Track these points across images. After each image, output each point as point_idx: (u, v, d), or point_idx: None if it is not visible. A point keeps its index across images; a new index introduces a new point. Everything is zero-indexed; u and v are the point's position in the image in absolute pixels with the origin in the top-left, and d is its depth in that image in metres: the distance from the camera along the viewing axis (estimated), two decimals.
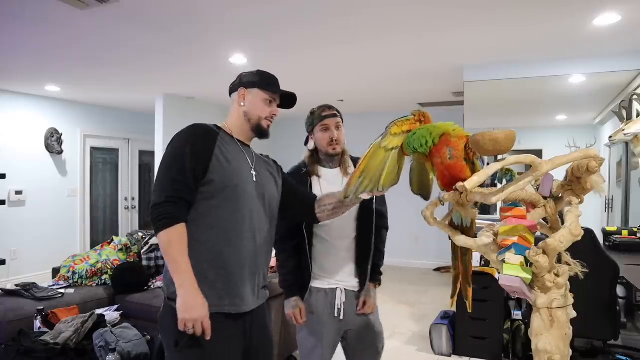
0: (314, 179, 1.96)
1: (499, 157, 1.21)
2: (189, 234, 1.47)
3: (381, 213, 2.01)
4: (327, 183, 1.95)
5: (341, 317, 1.91)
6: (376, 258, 2.00)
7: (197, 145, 1.52)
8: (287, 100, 1.76)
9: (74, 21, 3.12)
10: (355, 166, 1.92)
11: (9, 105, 5.55)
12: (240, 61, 4.11)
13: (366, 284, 1.95)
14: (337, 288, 1.92)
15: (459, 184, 1.16)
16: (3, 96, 5.47)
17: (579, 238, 1.07)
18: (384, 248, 2.05)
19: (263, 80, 1.69)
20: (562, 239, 1.05)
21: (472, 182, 1.12)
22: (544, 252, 1.06)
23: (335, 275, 1.92)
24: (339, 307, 1.90)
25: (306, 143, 2.04)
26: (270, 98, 1.69)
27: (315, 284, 1.93)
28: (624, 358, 3.09)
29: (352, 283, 1.94)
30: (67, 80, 4.99)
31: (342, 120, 2.00)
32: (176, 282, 1.43)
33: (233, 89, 1.72)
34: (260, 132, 1.71)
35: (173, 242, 1.43)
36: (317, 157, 2.00)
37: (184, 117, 6.02)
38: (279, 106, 1.75)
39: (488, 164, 1.37)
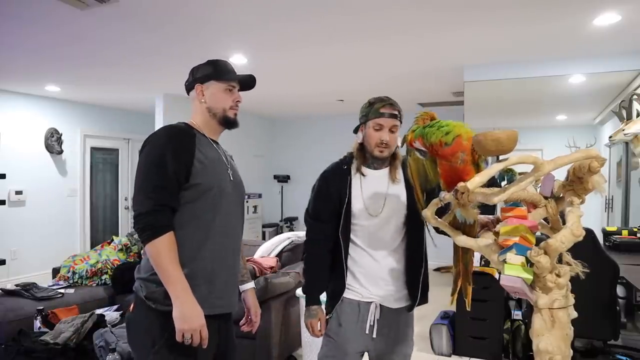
0: (356, 178, 1.75)
1: (501, 157, 1.20)
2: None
3: None
4: (371, 185, 1.75)
5: (374, 335, 1.72)
6: (426, 274, 1.77)
7: (178, 148, 1.47)
8: (246, 81, 1.69)
9: (74, 21, 3.12)
10: (403, 169, 1.78)
11: (9, 105, 5.55)
12: (240, 61, 4.11)
13: (416, 302, 1.75)
14: (371, 302, 1.73)
15: (460, 184, 1.16)
16: (3, 96, 5.47)
17: (581, 238, 1.06)
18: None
19: (217, 71, 1.62)
20: (563, 239, 1.05)
21: (474, 183, 1.12)
22: (545, 253, 1.06)
23: (370, 287, 1.73)
24: (371, 323, 1.71)
25: (355, 131, 1.81)
26: (229, 87, 1.62)
27: (348, 294, 1.74)
28: (624, 358, 3.09)
29: (390, 300, 1.74)
30: (67, 80, 4.99)
31: (401, 121, 1.75)
32: (171, 293, 1.40)
33: (189, 86, 1.66)
34: (229, 123, 1.64)
35: (162, 253, 1.40)
36: (363, 154, 1.77)
37: (184, 117, 6.01)
38: (240, 89, 1.69)
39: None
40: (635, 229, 3.61)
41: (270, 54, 3.96)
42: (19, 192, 5.60)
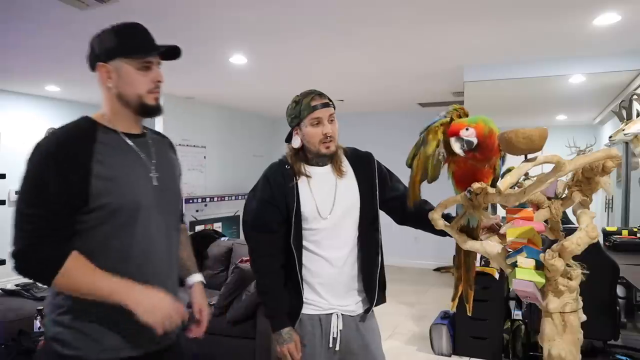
0: (302, 180, 1.61)
1: (530, 156, 1.15)
2: None
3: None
4: (318, 183, 1.61)
5: (337, 348, 1.59)
6: (383, 271, 1.67)
7: (65, 164, 1.12)
8: (169, 52, 1.28)
9: (74, 21, 3.12)
10: (349, 160, 1.68)
11: (9, 105, 5.55)
12: (240, 61, 4.11)
13: (373, 303, 1.64)
14: (332, 313, 1.60)
15: (475, 184, 1.11)
16: (3, 96, 5.47)
17: (596, 240, 1.04)
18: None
19: (123, 43, 1.19)
20: (579, 241, 1.02)
21: (505, 183, 1.04)
22: (560, 255, 1.03)
23: (329, 297, 1.60)
24: (334, 336, 1.59)
25: (288, 139, 1.63)
26: (144, 64, 1.21)
27: (307, 310, 1.59)
28: (624, 358, 3.09)
29: (352, 306, 1.62)
30: (67, 80, 4.99)
31: (335, 108, 1.63)
32: (112, 299, 1.12)
33: (90, 64, 1.24)
34: (148, 110, 1.25)
35: (75, 281, 1.11)
36: (303, 156, 1.63)
37: (184, 117, 6.02)
38: (163, 58, 1.27)
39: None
40: (635, 229, 3.61)
41: (270, 54, 3.96)
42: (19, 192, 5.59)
